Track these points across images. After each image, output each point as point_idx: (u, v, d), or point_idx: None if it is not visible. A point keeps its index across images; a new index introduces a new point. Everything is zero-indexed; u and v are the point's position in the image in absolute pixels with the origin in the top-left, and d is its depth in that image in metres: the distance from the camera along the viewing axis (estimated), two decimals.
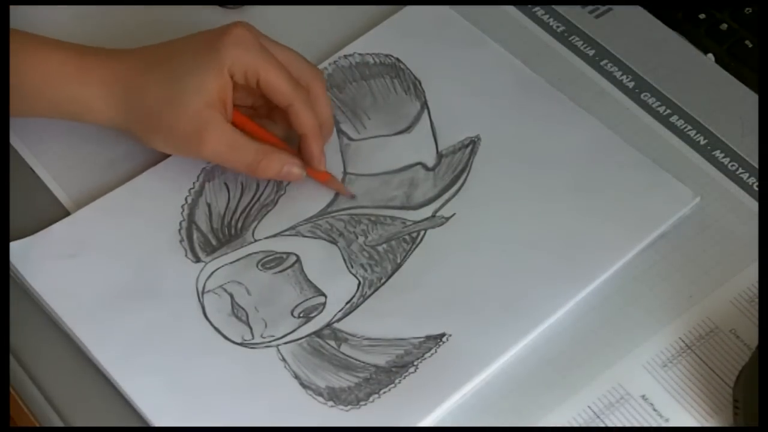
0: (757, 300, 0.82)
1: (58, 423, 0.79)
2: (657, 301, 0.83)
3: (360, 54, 0.94)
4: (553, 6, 0.97)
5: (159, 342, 0.80)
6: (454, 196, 0.87)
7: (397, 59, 0.93)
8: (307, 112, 0.84)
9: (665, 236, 0.85)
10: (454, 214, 0.86)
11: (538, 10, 0.97)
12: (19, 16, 0.89)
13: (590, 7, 0.97)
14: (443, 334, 0.81)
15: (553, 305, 0.82)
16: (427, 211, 0.86)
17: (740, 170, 0.89)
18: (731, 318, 0.82)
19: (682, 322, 0.82)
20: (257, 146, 0.84)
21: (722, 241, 0.85)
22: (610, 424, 0.78)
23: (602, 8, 0.97)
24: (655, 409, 0.78)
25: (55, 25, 0.89)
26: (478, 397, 0.79)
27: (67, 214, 0.86)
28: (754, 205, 0.87)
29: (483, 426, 0.78)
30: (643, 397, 0.79)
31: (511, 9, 0.97)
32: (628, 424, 0.78)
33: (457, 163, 0.88)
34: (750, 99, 0.92)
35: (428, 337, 0.81)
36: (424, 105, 0.91)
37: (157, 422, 0.77)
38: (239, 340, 0.81)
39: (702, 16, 0.97)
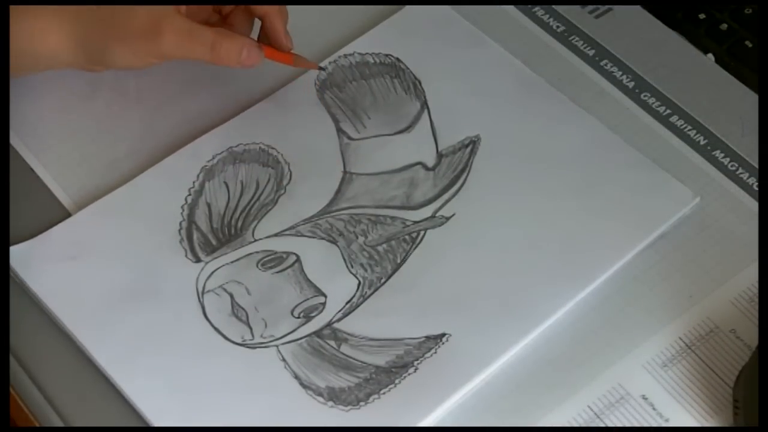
0: (757, 300, 0.82)
1: (58, 423, 0.79)
2: (657, 301, 0.83)
3: (360, 53, 0.94)
4: (553, 6, 0.97)
5: (159, 342, 0.80)
6: (454, 196, 0.87)
7: (397, 59, 0.93)
8: None
9: (665, 236, 0.85)
10: (454, 214, 0.86)
11: (538, 10, 0.97)
12: None
13: (590, 7, 0.97)
14: (443, 334, 0.81)
15: (553, 305, 0.82)
16: (427, 211, 0.86)
17: (740, 170, 0.89)
18: (731, 318, 0.82)
19: (682, 322, 0.82)
20: (215, 29, 0.84)
21: (722, 241, 0.85)
22: (610, 424, 0.78)
23: (602, 8, 0.97)
24: (655, 409, 0.78)
25: None
26: (478, 397, 0.79)
27: (67, 214, 0.86)
28: (754, 205, 0.87)
29: (483, 426, 0.78)
30: (643, 397, 0.79)
31: (511, 9, 0.97)
32: (628, 424, 0.78)
33: (457, 163, 0.88)
34: (750, 99, 0.92)
35: (428, 337, 0.81)
36: (424, 105, 0.91)
37: (157, 422, 0.77)
38: (239, 340, 0.81)
39: (702, 16, 0.97)
